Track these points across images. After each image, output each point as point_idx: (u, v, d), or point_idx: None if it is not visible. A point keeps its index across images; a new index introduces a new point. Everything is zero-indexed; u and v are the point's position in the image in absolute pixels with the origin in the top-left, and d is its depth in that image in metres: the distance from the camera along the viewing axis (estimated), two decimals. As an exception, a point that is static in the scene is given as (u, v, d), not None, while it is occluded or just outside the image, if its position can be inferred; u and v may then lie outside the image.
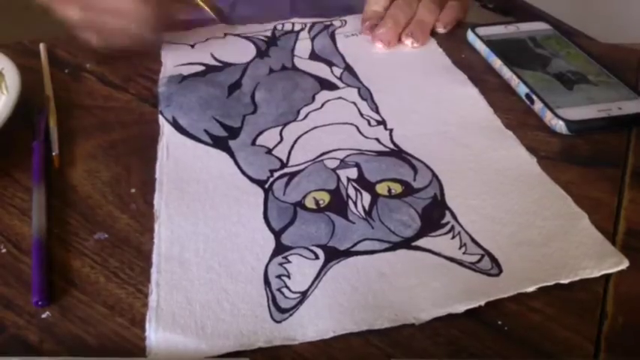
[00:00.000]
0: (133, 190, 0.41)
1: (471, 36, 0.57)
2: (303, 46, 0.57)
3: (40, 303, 0.33)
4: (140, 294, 0.34)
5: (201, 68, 0.53)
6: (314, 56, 0.55)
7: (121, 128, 0.47)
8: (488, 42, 0.55)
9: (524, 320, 0.32)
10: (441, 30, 0.58)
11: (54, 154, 0.43)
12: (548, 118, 0.46)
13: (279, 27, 0.60)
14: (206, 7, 0.57)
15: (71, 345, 0.31)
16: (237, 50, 0.56)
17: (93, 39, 0.51)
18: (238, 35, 0.58)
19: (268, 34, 0.58)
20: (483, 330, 0.32)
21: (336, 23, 0.60)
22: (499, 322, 0.32)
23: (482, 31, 0.57)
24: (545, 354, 0.31)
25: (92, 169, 0.43)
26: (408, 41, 0.56)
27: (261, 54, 0.55)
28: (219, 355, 0.31)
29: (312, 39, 0.58)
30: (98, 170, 0.42)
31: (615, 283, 0.34)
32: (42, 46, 0.55)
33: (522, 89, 0.49)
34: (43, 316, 0.33)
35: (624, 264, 0.35)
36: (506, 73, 0.51)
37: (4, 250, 0.37)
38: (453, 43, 0.57)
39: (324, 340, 0.31)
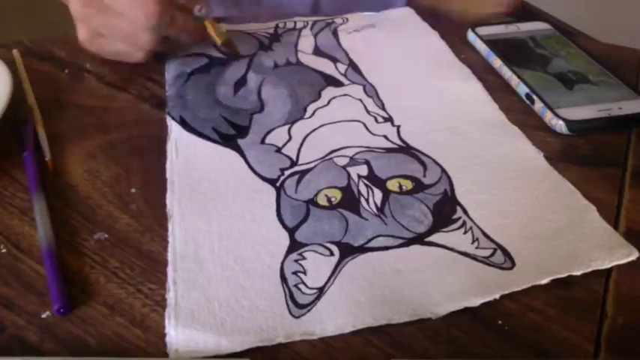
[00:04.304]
0: (133, 190, 0.41)
1: (471, 36, 0.57)
2: (306, 42, 0.57)
3: (61, 310, 0.32)
4: (140, 294, 0.34)
5: (205, 61, 0.53)
6: (317, 52, 0.55)
7: (121, 128, 0.47)
8: (489, 42, 0.55)
9: (524, 320, 0.32)
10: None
11: (47, 159, 0.43)
12: (549, 118, 0.46)
13: (281, 25, 0.60)
14: (216, 39, 0.53)
15: (71, 345, 0.31)
16: (240, 43, 0.56)
17: (102, 47, 0.51)
18: (240, 32, 0.58)
19: (271, 31, 0.59)
20: (483, 330, 0.32)
21: (338, 20, 0.60)
22: (499, 322, 0.32)
23: (483, 30, 0.57)
24: (545, 354, 0.31)
25: (92, 169, 0.43)
26: None
27: (264, 48, 0.55)
28: (240, 350, 0.31)
29: (315, 35, 0.58)
30: (98, 170, 0.42)
31: (615, 283, 0.34)
32: (15, 53, 0.54)
33: (522, 89, 0.49)
34: (43, 316, 0.33)
35: (634, 255, 0.35)
36: (507, 72, 0.51)
37: (4, 250, 0.37)
38: (453, 43, 0.56)
39: (324, 340, 0.31)
